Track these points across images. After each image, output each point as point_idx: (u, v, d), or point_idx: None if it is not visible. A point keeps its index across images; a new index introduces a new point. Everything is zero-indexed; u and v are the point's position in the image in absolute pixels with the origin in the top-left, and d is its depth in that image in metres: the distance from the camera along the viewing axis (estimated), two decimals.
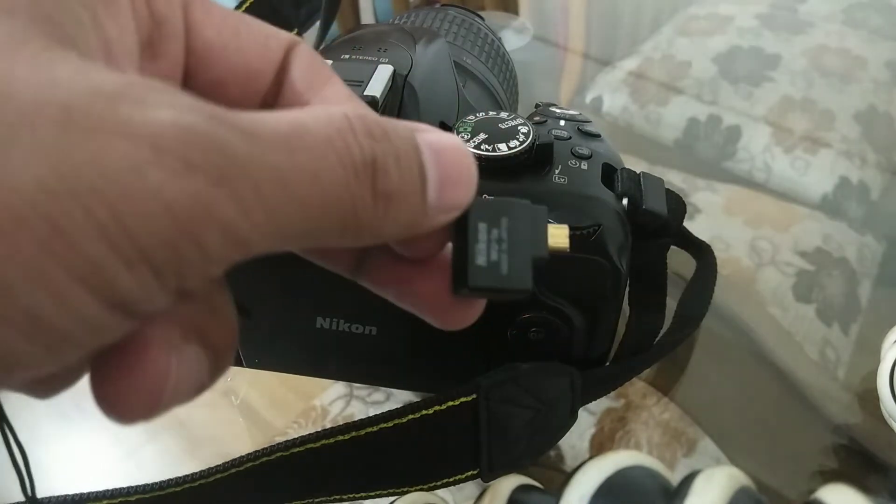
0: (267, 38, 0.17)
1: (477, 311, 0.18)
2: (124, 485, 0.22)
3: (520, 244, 0.16)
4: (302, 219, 0.12)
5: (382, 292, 0.18)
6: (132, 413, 0.12)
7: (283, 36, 0.17)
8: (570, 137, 0.26)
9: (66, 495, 0.22)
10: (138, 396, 0.12)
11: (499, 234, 0.16)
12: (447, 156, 0.15)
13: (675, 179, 0.43)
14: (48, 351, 0.11)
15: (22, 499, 0.18)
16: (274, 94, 0.17)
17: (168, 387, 0.12)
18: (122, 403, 0.12)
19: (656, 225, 0.25)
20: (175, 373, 0.13)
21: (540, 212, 0.17)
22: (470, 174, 0.15)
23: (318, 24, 0.40)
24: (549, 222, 0.17)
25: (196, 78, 0.16)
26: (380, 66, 0.23)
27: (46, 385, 0.13)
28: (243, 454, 0.22)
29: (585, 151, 0.25)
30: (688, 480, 0.17)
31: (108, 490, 0.22)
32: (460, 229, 0.16)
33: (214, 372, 0.14)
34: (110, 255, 0.10)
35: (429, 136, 0.15)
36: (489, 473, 0.22)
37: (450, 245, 0.17)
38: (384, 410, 0.22)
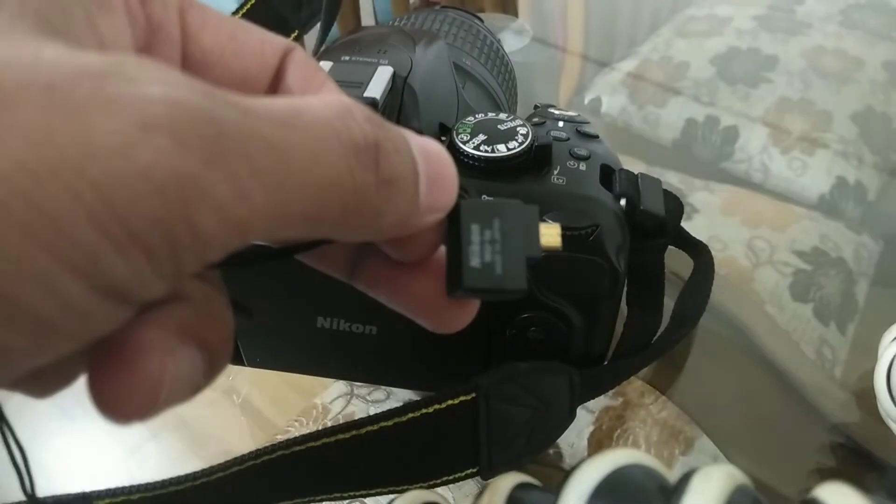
0: (263, 43, 0.17)
1: (470, 313, 0.18)
2: (126, 483, 0.22)
3: (513, 244, 0.16)
4: (302, 201, 0.12)
5: (377, 295, 0.18)
6: (128, 414, 0.12)
7: (279, 41, 0.17)
8: (568, 138, 0.26)
9: (68, 494, 0.23)
10: (134, 397, 0.12)
11: (492, 234, 0.16)
12: (433, 157, 0.15)
13: (672, 180, 0.44)
14: (38, 343, 0.10)
15: (22, 498, 0.19)
16: None
17: (164, 388, 0.12)
18: (118, 404, 0.12)
19: (654, 225, 0.25)
20: (171, 374, 0.12)
21: (531, 211, 0.17)
22: (453, 177, 0.16)
23: (318, 26, 0.40)
24: (542, 220, 0.17)
25: None
26: (379, 68, 0.23)
27: (43, 383, 0.13)
28: (245, 452, 0.22)
29: (584, 152, 0.25)
30: (686, 479, 0.17)
31: (109, 489, 0.22)
32: (453, 231, 0.16)
33: (210, 373, 0.14)
34: (100, 240, 0.10)
35: (415, 137, 0.15)
36: (488, 471, 0.23)
37: (442, 248, 0.17)
38: (385, 409, 0.22)
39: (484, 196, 0.23)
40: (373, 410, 0.29)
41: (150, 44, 0.15)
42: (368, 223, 0.14)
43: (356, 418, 0.22)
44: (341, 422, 0.22)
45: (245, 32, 0.17)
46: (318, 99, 0.13)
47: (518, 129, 0.24)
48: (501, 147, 0.24)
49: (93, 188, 0.10)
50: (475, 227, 0.16)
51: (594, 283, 0.24)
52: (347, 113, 0.13)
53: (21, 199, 0.09)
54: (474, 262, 0.16)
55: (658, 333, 0.29)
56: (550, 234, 0.17)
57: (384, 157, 0.14)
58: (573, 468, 0.18)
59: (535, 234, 0.17)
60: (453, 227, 0.16)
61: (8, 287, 0.09)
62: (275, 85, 0.17)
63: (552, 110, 0.28)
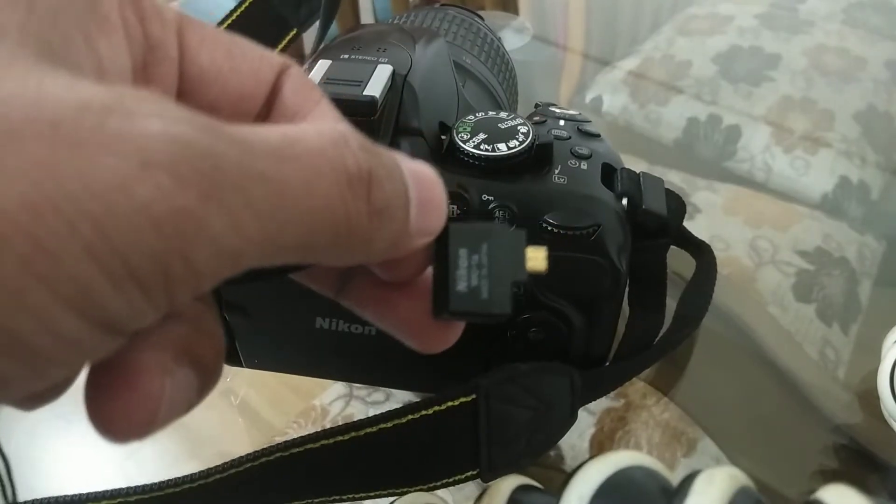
0: (260, 60, 0.17)
1: (455, 334, 0.18)
2: (123, 485, 0.22)
3: (499, 269, 0.17)
4: (294, 230, 0.12)
5: (363, 313, 0.18)
6: (126, 433, 0.12)
7: (276, 58, 0.17)
8: (569, 137, 0.26)
9: (66, 496, 0.22)
10: (132, 418, 0.12)
11: (479, 259, 0.16)
12: (424, 181, 0.16)
13: (674, 179, 0.43)
14: (34, 371, 0.11)
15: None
16: (264, 115, 0.17)
17: (161, 408, 0.13)
18: (116, 424, 0.12)
19: (656, 225, 0.25)
20: (168, 394, 0.13)
21: (519, 236, 0.17)
22: (442, 201, 0.16)
23: (317, 23, 0.40)
24: (528, 244, 0.17)
25: (189, 101, 0.16)
26: (379, 66, 0.23)
27: (32, 400, 0.13)
28: (243, 455, 0.22)
29: (585, 151, 0.25)
30: (688, 480, 0.17)
31: (107, 491, 0.22)
32: (441, 255, 0.17)
33: (203, 390, 0.14)
34: (96, 274, 0.10)
35: (407, 161, 0.15)
36: (489, 473, 0.22)
37: (429, 269, 0.17)
38: (384, 410, 0.22)
39: (484, 195, 0.23)
40: (372, 412, 0.28)
41: (148, 62, 0.15)
42: (359, 249, 0.14)
43: (355, 420, 0.22)
44: (340, 423, 0.22)
45: (242, 50, 0.17)
46: (314, 127, 0.14)
47: (519, 127, 0.24)
48: (502, 146, 0.24)
49: (92, 224, 0.10)
50: (463, 252, 0.16)
51: (595, 284, 0.24)
52: (342, 141, 0.13)
53: (22, 234, 0.09)
54: (461, 286, 0.16)
55: (660, 334, 0.29)
56: (536, 258, 0.17)
57: (377, 185, 0.14)
58: (574, 470, 0.18)
59: (522, 259, 0.17)
60: (441, 250, 0.17)
61: (6, 320, 0.10)
62: (271, 102, 0.17)
63: (553, 109, 0.28)
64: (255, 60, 0.17)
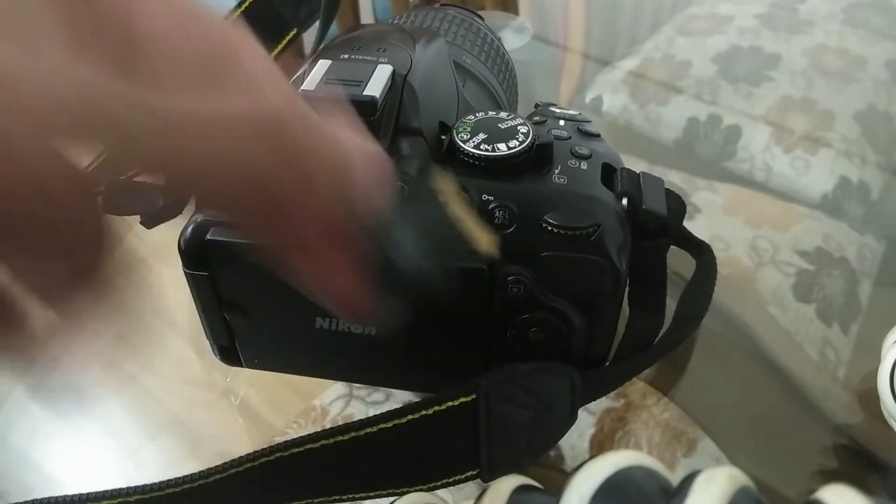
0: (211, 30, 0.16)
1: (394, 312, 0.18)
2: (123, 485, 0.22)
3: (436, 242, 0.17)
4: (214, 176, 0.13)
5: (301, 284, 0.19)
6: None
7: (232, 31, 0.17)
8: (569, 137, 0.26)
9: (66, 495, 0.22)
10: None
11: (415, 236, 0.17)
12: (369, 160, 0.16)
13: (674, 179, 0.43)
14: None
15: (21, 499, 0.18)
16: (219, 87, 0.17)
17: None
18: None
19: (656, 225, 0.25)
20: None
21: (451, 214, 0.18)
22: (385, 181, 0.16)
23: (317, 23, 0.40)
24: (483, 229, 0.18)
25: (139, 70, 0.16)
26: (379, 66, 0.23)
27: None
28: (242, 455, 0.22)
29: (585, 151, 0.25)
30: (688, 480, 0.17)
31: (107, 490, 0.22)
32: (381, 231, 0.17)
33: (91, 286, 0.14)
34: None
35: (355, 140, 0.16)
36: (489, 473, 0.22)
37: (364, 240, 0.17)
38: (384, 410, 0.22)
39: (485, 195, 0.23)
40: (372, 412, 0.28)
41: (93, 32, 0.15)
42: (291, 216, 0.14)
43: (355, 420, 0.22)
44: (340, 423, 0.22)
45: (198, 19, 0.16)
46: (251, 95, 0.14)
47: (519, 127, 0.24)
48: (502, 146, 0.24)
49: None
50: (401, 227, 0.17)
51: (595, 284, 0.24)
52: (277, 110, 0.14)
53: None
54: (400, 260, 0.17)
55: (660, 334, 0.29)
56: (485, 241, 0.18)
57: (307, 155, 0.14)
58: (574, 470, 0.18)
59: (460, 236, 0.18)
60: (382, 227, 0.17)
61: None
62: (224, 73, 0.17)
63: (553, 109, 0.28)
64: (209, 30, 0.16)
